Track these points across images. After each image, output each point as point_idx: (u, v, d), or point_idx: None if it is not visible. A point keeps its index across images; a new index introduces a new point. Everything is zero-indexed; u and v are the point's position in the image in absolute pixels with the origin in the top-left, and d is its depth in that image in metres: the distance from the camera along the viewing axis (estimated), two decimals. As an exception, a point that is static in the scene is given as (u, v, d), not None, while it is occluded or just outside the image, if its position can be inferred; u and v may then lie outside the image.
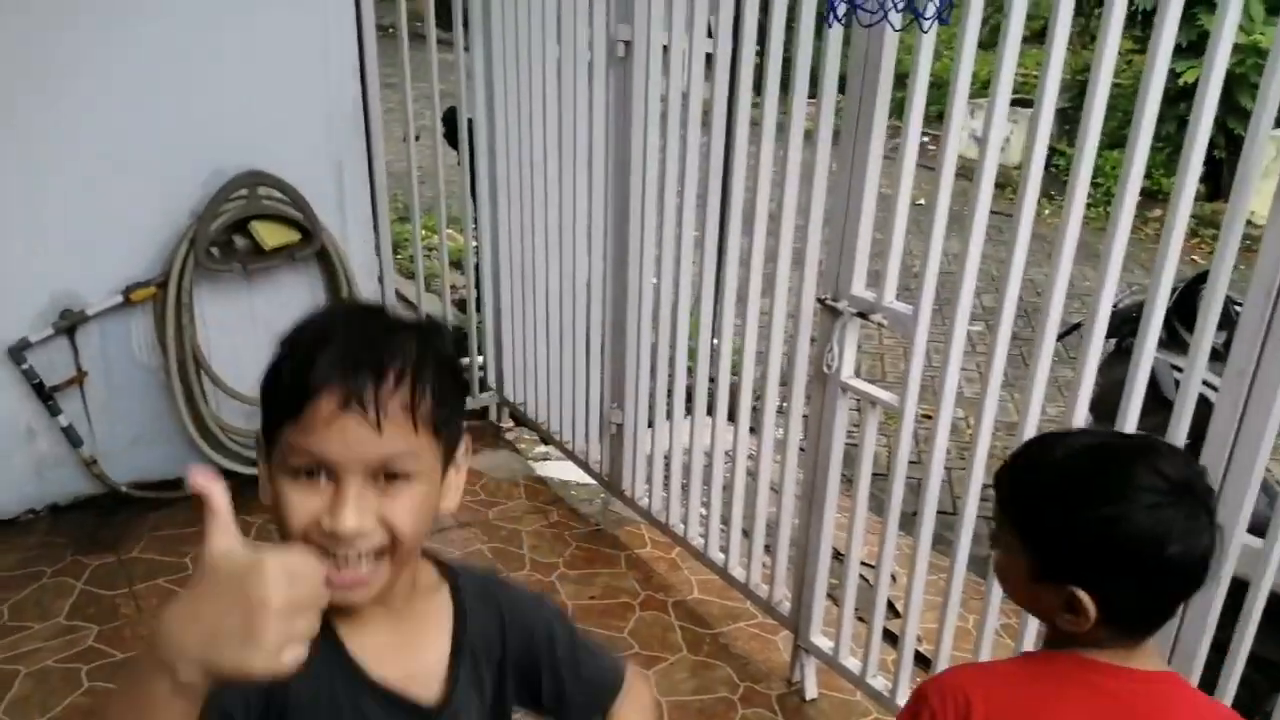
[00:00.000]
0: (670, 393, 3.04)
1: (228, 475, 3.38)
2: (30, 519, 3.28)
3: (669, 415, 3.09)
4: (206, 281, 3.26)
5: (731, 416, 2.82)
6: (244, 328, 3.40)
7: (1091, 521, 1.06)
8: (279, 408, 0.91)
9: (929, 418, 2.32)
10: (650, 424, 3.19)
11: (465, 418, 1.01)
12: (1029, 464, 1.18)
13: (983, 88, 2.04)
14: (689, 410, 2.99)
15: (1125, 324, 2.80)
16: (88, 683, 2.60)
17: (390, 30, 3.48)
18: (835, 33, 2.13)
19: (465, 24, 3.44)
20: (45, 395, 3.14)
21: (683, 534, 3.10)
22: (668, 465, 3.15)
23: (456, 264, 4.18)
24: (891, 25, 1.97)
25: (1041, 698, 1.10)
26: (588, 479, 3.62)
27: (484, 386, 4.04)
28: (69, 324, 3.12)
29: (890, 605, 2.57)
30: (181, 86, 3.09)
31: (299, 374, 0.89)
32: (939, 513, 2.35)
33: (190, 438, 3.32)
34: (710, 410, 2.89)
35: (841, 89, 2.21)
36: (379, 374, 0.89)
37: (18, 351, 3.07)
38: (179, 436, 3.34)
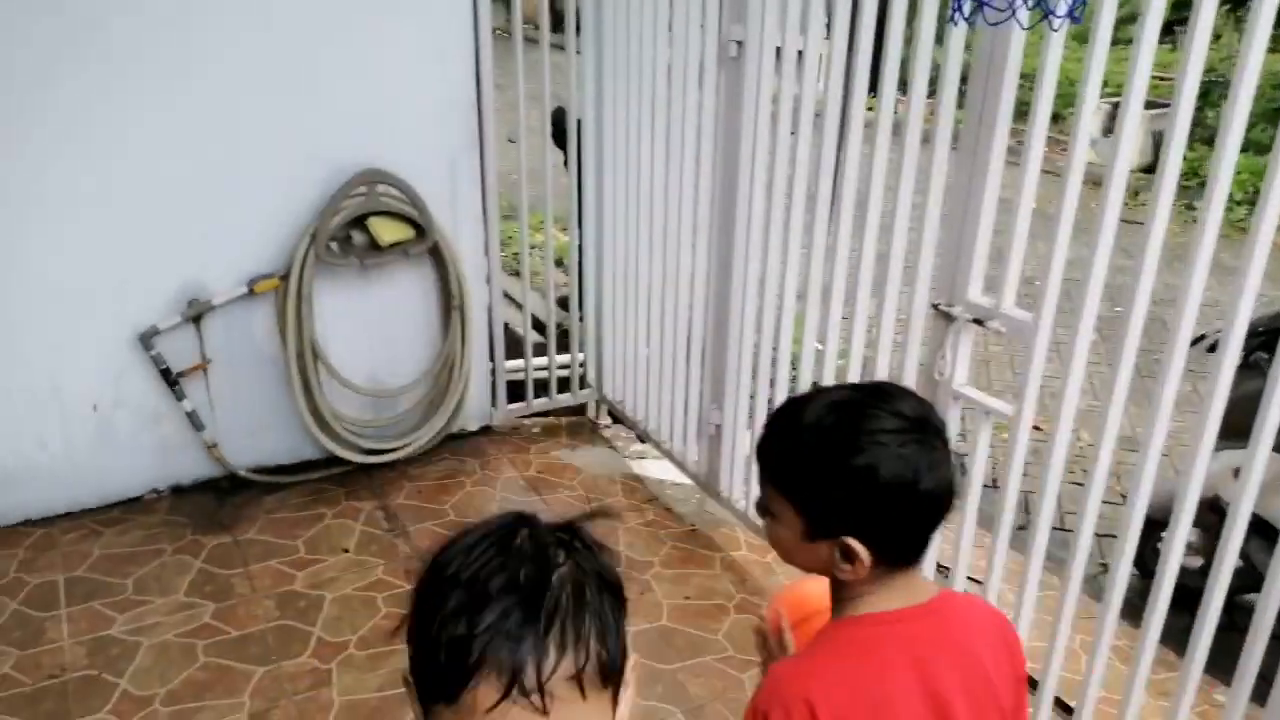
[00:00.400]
0: (771, 395, 2.96)
1: (339, 462, 3.42)
2: (154, 498, 3.36)
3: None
4: (325, 275, 3.30)
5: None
6: (359, 320, 3.44)
7: (848, 473, 1.09)
8: (432, 687, 0.82)
9: (1037, 429, 2.19)
10: (750, 426, 3.11)
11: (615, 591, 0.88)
12: (782, 431, 1.18)
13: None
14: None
15: (1252, 337, 2.62)
16: (203, 658, 2.65)
17: (499, 33, 3.48)
18: (958, 31, 2.02)
19: (578, 27, 3.42)
20: (172, 380, 3.22)
21: (780, 539, 3.01)
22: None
23: (559, 262, 4.17)
24: (1019, 24, 1.86)
25: (869, 674, 1.12)
26: (684, 478, 3.56)
27: (583, 384, 4.01)
28: (196, 313, 3.19)
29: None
30: (307, 87, 3.14)
31: (454, 655, 0.79)
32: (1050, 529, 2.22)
33: (306, 425, 3.36)
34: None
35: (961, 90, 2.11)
36: (540, 648, 0.79)
37: (147, 338, 3.15)
38: (295, 423, 3.39)
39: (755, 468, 1.22)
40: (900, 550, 1.14)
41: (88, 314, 3.08)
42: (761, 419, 3.04)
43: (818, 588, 1.23)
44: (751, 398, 3.06)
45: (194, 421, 3.30)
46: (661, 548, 3.21)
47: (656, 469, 3.70)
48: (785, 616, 1.31)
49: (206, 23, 2.98)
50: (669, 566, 3.12)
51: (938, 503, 1.12)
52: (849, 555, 1.11)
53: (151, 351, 3.16)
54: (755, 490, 3.07)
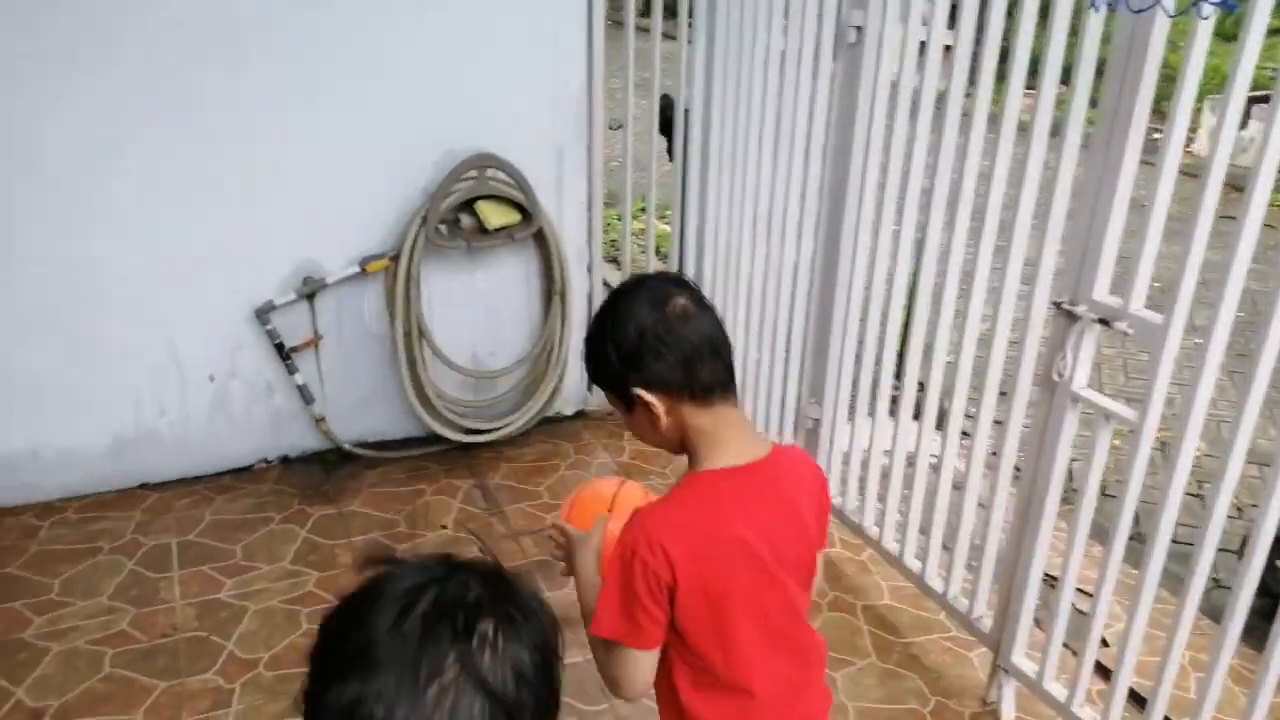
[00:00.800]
0: (875, 392, 2.88)
1: (439, 440, 3.45)
2: (264, 468, 3.43)
3: (871, 415, 2.92)
4: (433, 257, 3.32)
5: (940, 424, 2.63)
6: (464, 302, 3.46)
7: (609, 342, 1.33)
8: None
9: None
10: (850, 421, 3.02)
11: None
12: (588, 338, 1.41)
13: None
14: (893, 412, 2.82)
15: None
16: (306, 625, 2.69)
17: (610, 21, 3.45)
18: (1096, 19, 1.91)
19: (690, 14, 3.37)
20: (285, 355, 3.28)
21: (877, 538, 2.93)
22: (865, 466, 2.99)
23: (659, 250, 4.12)
24: (1165, 11, 1.75)
25: (712, 519, 1.31)
26: (778, 472, 3.49)
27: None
28: (310, 290, 3.24)
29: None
30: (421, 72, 3.16)
31: None
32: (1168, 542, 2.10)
33: (409, 402, 3.39)
34: (917, 415, 2.70)
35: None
36: None
37: (264, 313, 3.21)
38: (399, 400, 3.43)
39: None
40: (680, 388, 1.31)
41: (209, 288, 3.15)
42: (863, 415, 2.96)
43: (593, 484, 1.56)
44: (853, 393, 2.97)
45: (304, 395, 3.35)
46: (753, 540, 3.15)
47: (749, 461, 3.64)
48: (561, 518, 1.55)
49: (326, 8, 3.01)
50: (761, 559, 3.06)
51: (684, 344, 1.31)
52: (649, 406, 1.31)
53: (267, 326, 3.22)
54: (853, 488, 3.01)
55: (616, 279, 4.09)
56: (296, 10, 2.98)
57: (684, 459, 1.38)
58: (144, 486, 3.27)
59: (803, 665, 1.45)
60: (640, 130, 3.68)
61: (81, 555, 2.93)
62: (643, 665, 1.34)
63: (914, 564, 2.79)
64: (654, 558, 1.27)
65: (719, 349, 1.34)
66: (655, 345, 1.30)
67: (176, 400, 3.24)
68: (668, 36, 3.44)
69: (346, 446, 3.44)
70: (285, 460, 3.46)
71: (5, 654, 2.51)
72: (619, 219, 3.87)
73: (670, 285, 1.35)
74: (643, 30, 3.37)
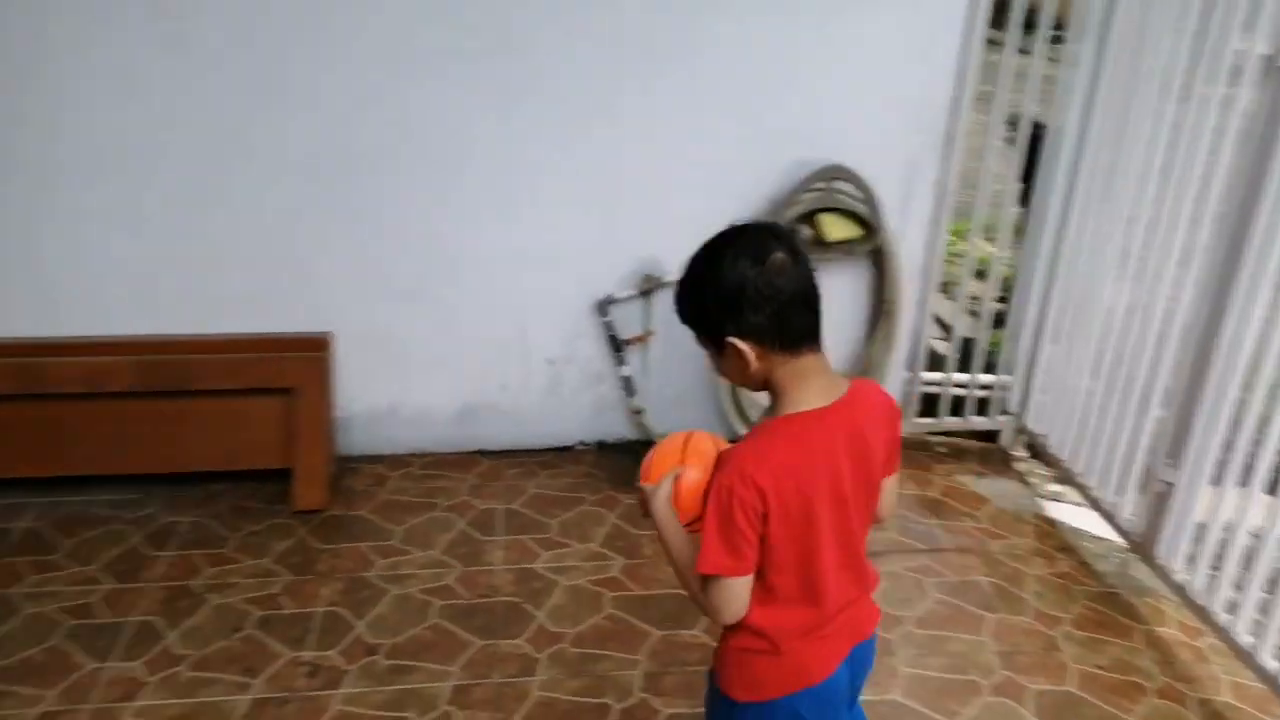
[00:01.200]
0: (1251, 464, 2.47)
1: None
2: (582, 450, 3.53)
3: (1242, 486, 2.51)
4: (767, 265, 3.25)
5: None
6: (792, 313, 3.36)
7: (707, 293, 1.40)
8: None
9: None
10: (1217, 485, 2.62)
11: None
12: (679, 288, 1.48)
13: None
14: (1275, 490, 2.40)
15: None
16: (609, 609, 2.70)
17: (990, 41, 3.20)
18: None
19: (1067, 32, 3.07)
20: (617, 347, 3.34)
21: (1226, 626, 2.53)
22: (1225, 544, 2.58)
23: (981, 273, 3.81)
24: None
25: (798, 459, 1.41)
26: (1108, 533, 3.12)
27: (1003, 409, 3.65)
28: (648, 287, 3.27)
29: None
30: (780, 79, 3.10)
31: None
32: None
33: (721, 404, 3.36)
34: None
35: None
36: None
37: (604, 306, 3.29)
38: (711, 402, 3.40)
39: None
40: (773, 338, 1.39)
41: (561, 278, 3.27)
42: (1232, 483, 2.56)
43: (665, 442, 1.62)
44: (1222, 460, 2.57)
45: (628, 387, 3.41)
46: (1073, 605, 2.83)
47: (1073, 515, 3.28)
48: (641, 479, 1.62)
49: (697, 14, 3.01)
50: (1080, 628, 2.73)
51: (782, 297, 1.37)
52: (741, 353, 1.39)
53: (605, 318, 3.30)
54: (1204, 561, 2.61)
55: (947, 312, 3.83)
56: (664, 19, 3.00)
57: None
58: (480, 453, 3.46)
59: (858, 587, 1.56)
60: (997, 149, 3.41)
61: (421, 508, 3.13)
62: (742, 591, 1.45)
63: (1271, 665, 2.38)
64: (748, 491, 1.37)
65: (811, 301, 1.41)
66: (754, 299, 1.36)
67: (519, 377, 3.39)
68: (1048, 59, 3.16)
69: (658, 439, 3.44)
70: (601, 445, 3.54)
71: (352, 590, 2.72)
72: (950, 238, 3.60)
73: (769, 236, 1.41)
74: (1023, 52, 3.10)
